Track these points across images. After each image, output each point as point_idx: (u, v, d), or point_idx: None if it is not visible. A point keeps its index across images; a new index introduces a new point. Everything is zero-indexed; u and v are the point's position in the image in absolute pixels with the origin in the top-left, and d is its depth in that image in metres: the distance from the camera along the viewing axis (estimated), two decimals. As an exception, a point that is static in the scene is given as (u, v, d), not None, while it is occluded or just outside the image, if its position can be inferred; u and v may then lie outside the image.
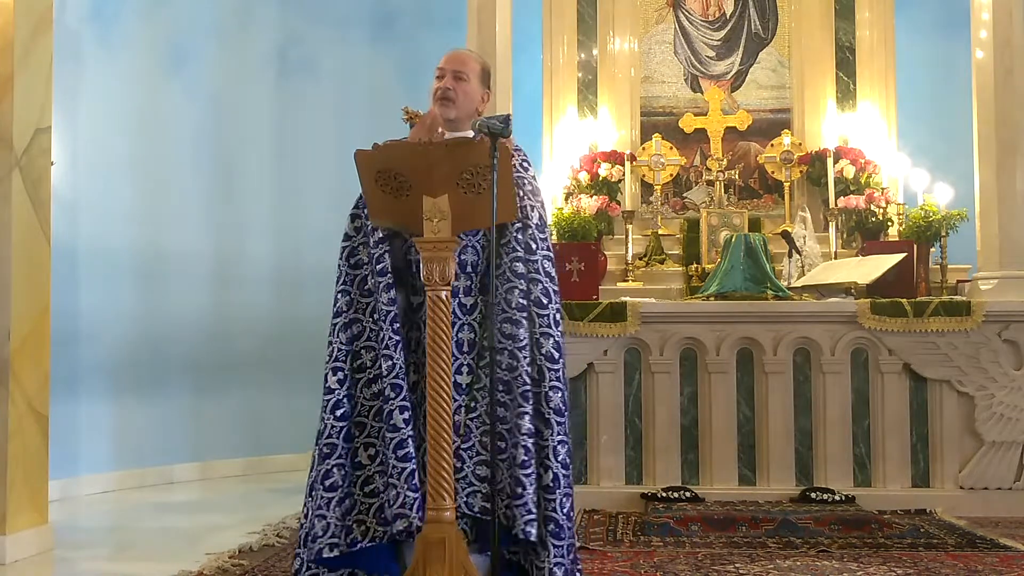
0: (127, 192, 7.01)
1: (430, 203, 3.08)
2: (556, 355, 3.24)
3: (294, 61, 8.09)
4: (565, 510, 3.19)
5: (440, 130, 3.26)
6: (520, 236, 3.24)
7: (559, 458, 3.20)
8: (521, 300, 3.20)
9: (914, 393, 5.80)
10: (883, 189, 7.14)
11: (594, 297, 6.09)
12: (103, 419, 6.76)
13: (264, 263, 7.83)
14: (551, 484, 3.17)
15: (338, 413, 3.27)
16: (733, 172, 7.13)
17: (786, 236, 6.54)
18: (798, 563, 4.36)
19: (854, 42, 7.42)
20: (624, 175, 7.22)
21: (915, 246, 6.41)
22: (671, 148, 7.36)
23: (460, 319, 3.26)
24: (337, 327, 3.30)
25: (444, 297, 3.11)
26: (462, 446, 3.19)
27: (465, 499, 3.18)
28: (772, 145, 7.30)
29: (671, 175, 7.36)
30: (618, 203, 7.16)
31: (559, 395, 3.23)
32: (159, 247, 7.19)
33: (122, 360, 6.88)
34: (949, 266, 6.64)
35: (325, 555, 3.22)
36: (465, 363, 3.26)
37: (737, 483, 5.79)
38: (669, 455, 5.81)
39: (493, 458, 3.11)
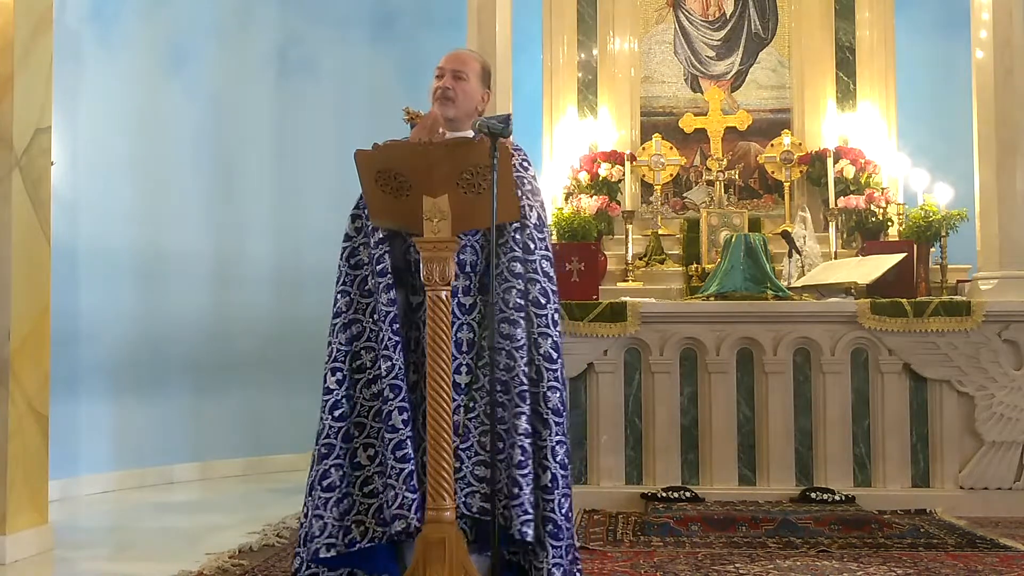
0: (127, 192, 7.01)
1: (430, 203, 3.08)
2: (554, 355, 3.24)
3: (294, 61, 8.09)
4: (563, 510, 3.19)
5: (441, 130, 3.26)
6: (518, 236, 3.24)
7: (557, 458, 3.19)
8: (519, 300, 3.20)
9: (914, 393, 5.80)
10: (883, 189, 7.14)
11: (594, 297, 6.09)
12: (103, 419, 6.76)
13: (264, 263, 7.83)
14: (549, 484, 3.17)
15: (336, 414, 3.27)
16: (733, 172, 7.13)
17: (786, 236, 6.54)
18: (798, 563, 4.36)
19: (854, 42, 7.42)
20: (624, 175, 7.22)
21: (915, 246, 6.41)
22: (671, 148, 7.36)
23: (459, 319, 3.26)
24: (336, 327, 3.31)
25: (444, 297, 3.11)
26: (460, 446, 3.18)
27: (463, 499, 3.17)
28: (772, 145, 7.30)
29: (671, 175, 7.36)
30: (618, 203, 7.16)
31: (557, 395, 3.22)
32: (159, 247, 7.19)
33: (122, 360, 6.89)
34: (949, 266, 6.65)
35: (322, 555, 3.22)
36: (464, 363, 3.25)
37: (737, 483, 5.79)
38: (669, 455, 5.81)
39: (493, 458, 3.11)
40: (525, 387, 3.16)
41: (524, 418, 3.14)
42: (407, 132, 3.44)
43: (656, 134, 7.35)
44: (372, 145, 3.15)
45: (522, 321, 3.19)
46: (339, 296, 3.33)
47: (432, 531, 3.04)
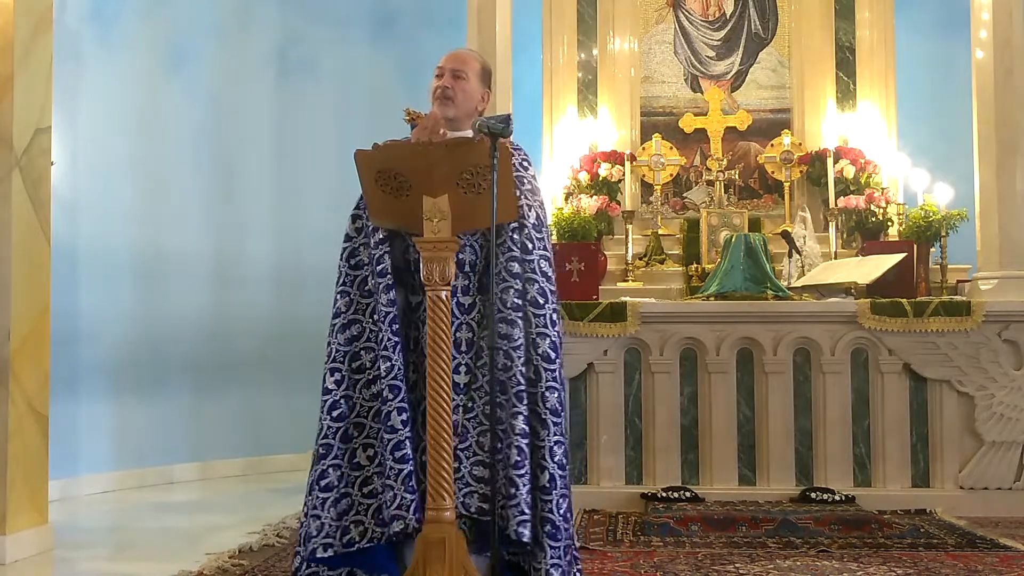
0: (127, 192, 7.01)
1: (430, 203, 3.08)
2: (552, 355, 3.23)
3: (294, 61, 8.09)
4: (562, 511, 3.18)
5: (442, 131, 3.26)
6: (516, 236, 3.23)
7: (555, 459, 3.18)
8: (516, 300, 3.19)
9: (914, 393, 5.80)
10: (883, 189, 7.14)
11: (594, 297, 6.09)
12: (103, 419, 6.76)
13: (264, 263, 7.83)
14: (547, 485, 3.16)
15: (334, 414, 3.27)
16: (733, 172, 7.13)
17: (786, 236, 6.54)
18: (798, 563, 4.36)
19: (854, 42, 7.42)
20: (624, 175, 7.22)
21: (915, 246, 6.41)
22: (671, 148, 7.36)
23: (458, 318, 3.26)
24: (336, 328, 3.31)
25: (444, 297, 3.11)
26: (459, 446, 3.18)
27: (461, 499, 3.16)
28: (772, 145, 7.30)
29: (671, 175, 7.36)
30: (618, 203, 7.16)
31: (555, 395, 3.22)
32: (159, 247, 7.19)
33: (122, 360, 6.89)
34: (949, 266, 6.64)
35: (319, 555, 3.22)
36: (463, 362, 3.25)
37: (737, 483, 5.79)
38: (669, 455, 5.81)
39: (493, 459, 3.11)
40: (522, 387, 3.15)
41: (521, 418, 3.13)
42: (407, 132, 3.44)
43: (656, 134, 7.35)
44: (372, 145, 3.15)
45: (520, 321, 3.18)
46: (339, 296, 3.33)
47: (432, 531, 3.04)
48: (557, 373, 3.24)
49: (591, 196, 7.13)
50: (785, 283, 6.18)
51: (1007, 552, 4.60)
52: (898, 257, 6.11)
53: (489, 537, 3.11)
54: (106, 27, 6.89)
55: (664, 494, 5.62)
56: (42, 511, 4.75)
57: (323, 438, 3.27)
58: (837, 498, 5.54)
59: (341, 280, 3.34)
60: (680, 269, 6.95)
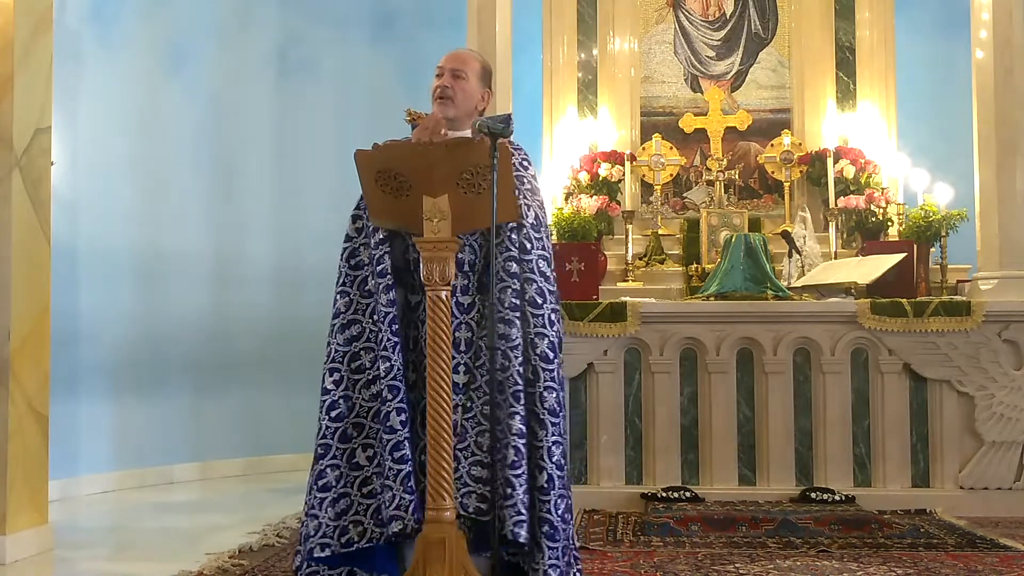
0: (127, 192, 7.01)
1: (430, 203, 3.08)
2: (551, 355, 3.23)
3: (294, 61, 8.09)
4: (559, 511, 3.18)
5: (443, 131, 3.26)
6: (514, 236, 3.23)
7: (553, 459, 3.18)
8: (514, 300, 3.18)
9: (914, 393, 5.80)
10: (883, 189, 7.14)
11: (594, 297, 6.09)
12: (103, 419, 6.76)
13: (264, 263, 7.83)
14: (545, 485, 3.16)
15: (333, 414, 3.27)
16: (733, 172, 7.13)
17: (786, 236, 6.54)
18: (798, 563, 4.36)
19: (854, 42, 7.41)
20: (624, 175, 7.22)
21: (915, 246, 6.41)
22: (671, 148, 7.36)
23: (457, 318, 3.25)
24: (335, 328, 3.31)
25: (444, 297, 3.11)
26: (457, 446, 3.17)
27: (460, 499, 3.16)
28: (772, 145, 7.30)
29: (671, 175, 7.36)
30: (618, 203, 7.16)
31: (554, 395, 3.21)
32: (159, 247, 7.19)
33: (122, 360, 6.89)
34: (949, 266, 6.64)
35: (316, 554, 3.23)
36: (462, 362, 3.24)
37: (737, 483, 5.79)
38: (669, 455, 5.81)
39: (493, 459, 3.10)
40: (520, 387, 3.14)
41: (518, 418, 3.13)
42: (407, 132, 3.44)
43: (656, 134, 7.35)
44: (372, 145, 3.15)
45: (517, 321, 3.18)
46: (338, 296, 3.33)
47: (432, 531, 3.04)
48: (555, 373, 3.23)
49: (591, 196, 7.13)
50: (785, 283, 6.18)
51: (1007, 552, 4.60)
52: (898, 257, 6.11)
53: (487, 537, 3.11)
54: (106, 27, 6.89)
55: (664, 494, 5.62)
56: (42, 511, 4.75)
57: (322, 438, 3.27)
58: (837, 498, 5.54)
59: (341, 280, 3.34)
60: (680, 269, 6.95)
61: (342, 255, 3.35)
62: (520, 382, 3.15)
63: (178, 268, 7.29)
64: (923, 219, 6.65)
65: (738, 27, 7.56)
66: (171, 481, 7.10)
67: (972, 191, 6.11)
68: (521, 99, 6.93)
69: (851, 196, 7.03)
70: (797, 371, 5.83)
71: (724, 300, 5.98)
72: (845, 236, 7.07)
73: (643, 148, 7.38)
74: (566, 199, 7.27)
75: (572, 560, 3.33)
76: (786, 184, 7.22)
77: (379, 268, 3.23)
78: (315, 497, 3.24)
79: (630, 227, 6.95)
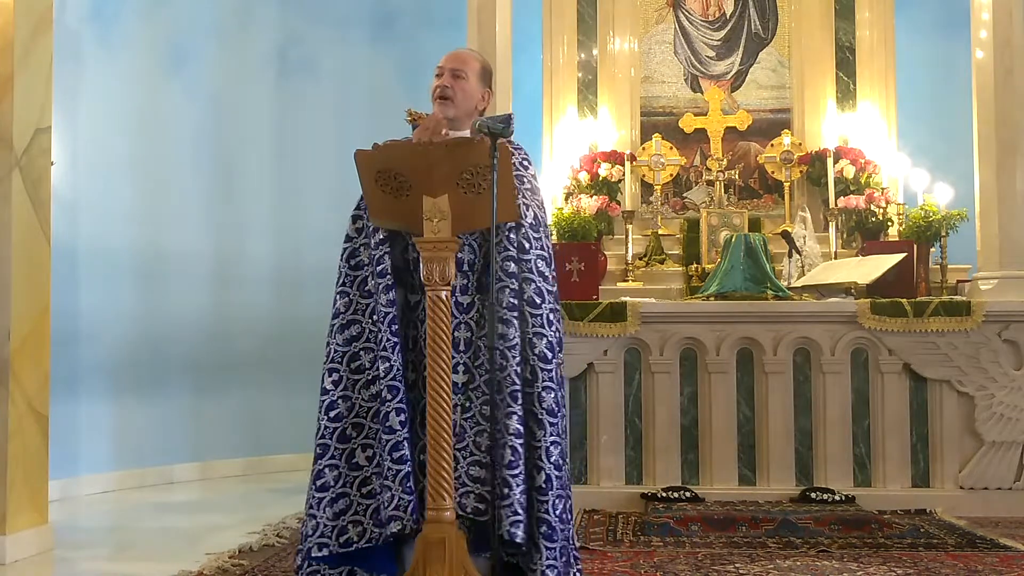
0: (127, 192, 7.01)
1: (430, 203, 3.08)
2: (549, 355, 3.21)
3: (294, 61, 8.09)
4: (558, 512, 3.17)
5: (444, 132, 3.26)
6: (513, 236, 3.22)
7: (552, 459, 3.17)
8: (512, 300, 3.17)
9: (914, 393, 5.80)
10: (883, 189, 7.14)
11: (594, 297, 6.09)
12: (103, 419, 6.76)
13: (264, 263, 7.83)
14: (543, 485, 3.15)
15: (332, 414, 3.27)
16: (733, 172, 7.13)
17: (786, 236, 6.54)
18: (798, 563, 4.36)
19: (854, 42, 7.41)
20: (624, 175, 7.22)
21: (915, 246, 6.41)
22: (671, 148, 7.36)
23: (457, 318, 3.24)
24: (334, 328, 3.31)
25: (444, 297, 3.11)
26: (456, 446, 3.16)
27: (458, 499, 3.15)
28: (772, 145, 7.30)
29: (671, 175, 7.36)
30: (618, 203, 7.16)
31: (552, 395, 3.20)
32: (159, 247, 7.19)
33: (122, 360, 6.89)
34: (949, 266, 6.64)
35: (314, 554, 3.23)
36: (461, 362, 3.24)
37: (737, 483, 5.79)
38: (669, 455, 5.81)
39: (494, 459, 3.10)
40: (517, 387, 3.13)
41: (515, 418, 3.11)
42: (407, 132, 3.44)
43: (656, 134, 7.35)
44: (372, 145, 3.15)
45: (515, 321, 3.16)
46: (338, 297, 3.33)
47: (432, 531, 3.04)
48: (554, 373, 3.22)
49: (591, 196, 7.13)
50: (785, 283, 6.18)
51: (1007, 552, 4.60)
52: (898, 257, 6.11)
53: (486, 537, 3.11)
54: (106, 27, 6.89)
55: (664, 494, 5.62)
56: (42, 511, 4.75)
57: (320, 438, 3.27)
58: (837, 498, 5.54)
59: (341, 280, 3.34)
60: (680, 269, 6.95)
61: (342, 255, 3.35)
62: (518, 382, 3.14)
63: (178, 268, 7.29)
64: (923, 219, 6.65)
65: (738, 27, 7.56)
66: (171, 481, 7.10)
67: (972, 191, 6.11)
68: (521, 99, 6.94)
69: (851, 196, 7.03)
70: (797, 371, 5.84)
71: (724, 300, 5.98)
72: (845, 236, 7.07)
73: (643, 148, 7.38)
74: (566, 199, 7.27)
75: (572, 560, 3.32)
76: (786, 184, 7.22)
77: (379, 268, 3.23)
78: (314, 497, 3.25)
79: (630, 227, 6.95)
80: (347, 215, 3.37)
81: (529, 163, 3.45)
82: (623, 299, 5.91)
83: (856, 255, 6.68)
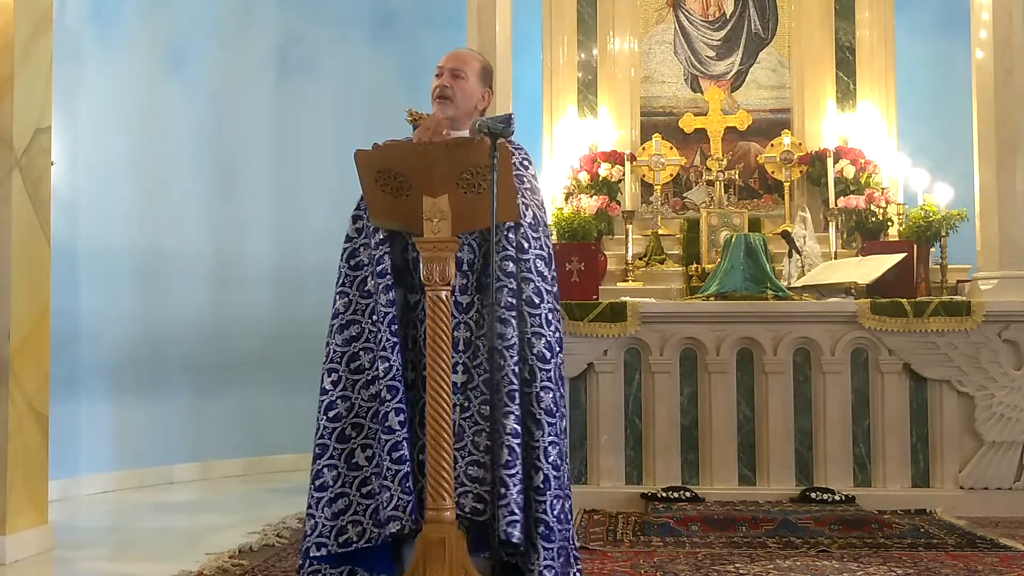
0: (127, 192, 7.01)
1: (430, 203, 3.08)
2: (548, 355, 3.20)
3: (294, 61, 8.09)
4: (555, 512, 3.15)
5: (445, 132, 3.26)
6: (512, 235, 3.21)
7: (550, 459, 3.16)
8: (510, 299, 3.16)
9: (914, 393, 5.80)
10: (883, 189, 7.14)
11: (594, 297, 6.09)
12: (103, 419, 6.76)
13: (264, 263, 7.83)
14: (541, 485, 3.14)
15: (331, 414, 3.27)
16: (733, 172, 7.13)
17: (786, 236, 6.54)
18: (798, 563, 4.36)
19: (854, 42, 7.41)
20: (624, 175, 7.22)
21: (915, 246, 6.41)
22: (671, 148, 7.36)
23: (456, 317, 3.24)
24: (334, 328, 3.31)
25: (444, 297, 3.10)
26: (455, 446, 3.16)
27: (456, 499, 3.14)
28: (772, 145, 7.30)
29: (671, 175, 7.36)
30: (618, 203, 7.16)
31: (550, 395, 3.19)
32: (159, 247, 7.19)
33: (122, 360, 6.89)
34: (949, 266, 6.64)
35: (312, 554, 3.24)
36: (460, 362, 3.23)
37: (737, 483, 5.79)
38: (669, 455, 5.81)
39: (493, 459, 3.10)
40: (515, 386, 3.12)
41: (512, 418, 3.10)
42: (408, 132, 3.44)
43: (656, 134, 7.35)
44: (372, 145, 3.15)
45: (513, 320, 3.16)
46: (338, 297, 3.33)
47: (432, 531, 3.04)
48: (552, 373, 3.21)
49: (591, 196, 7.13)
50: (785, 283, 6.18)
51: (1007, 552, 4.60)
52: (898, 257, 6.11)
53: (483, 537, 3.11)
54: (106, 27, 6.89)
55: (664, 494, 5.62)
56: (42, 511, 4.75)
57: (319, 438, 3.27)
58: (837, 498, 5.54)
59: (340, 280, 3.34)
60: (680, 269, 6.95)
61: (342, 255, 3.35)
62: (515, 381, 3.13)
63: (178, 268, 7.29)
64: (923, 219, 6.65)
65: (738, 27, 7.56)
66: (171, 481, 7.10)
67: (972, 191, 6.11)
68: (521, 99, 6.94)
69: (851, 196, 7.03)
70: (797, 371, 5.84)
71: (724, 300, 5.98)
72: (845, 236, 7.07)
73: (643, 148, 7.38)
74: (566, 199, 7.27)
75: (572, 560, 3.32)
76: (786, 184, 7.22)
77: (379, 268, 3.23)
78: (312, 497, 3.25)
79: (630, 227, 6.95)
80: (347, 215, 3.37)
81: (530, 163, 3.45)
82: (623, 299, 5.91)
83: (856, 255, 6.68)
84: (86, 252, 6.68)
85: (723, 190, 7.06)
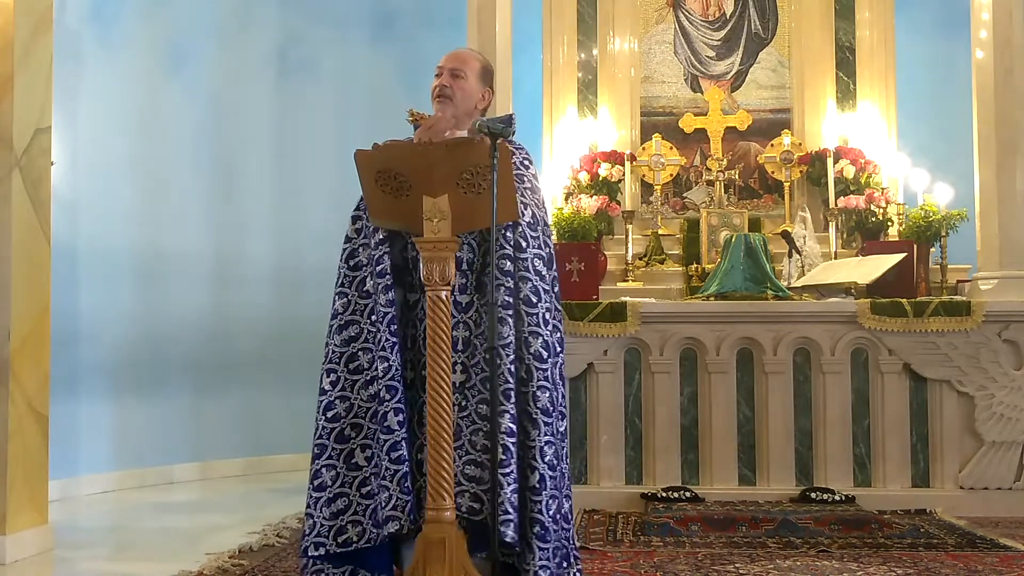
0: (127, 192, 7.01)
1: (430, 203, 3.08)
2: (545, 355, 3.19)
3: (294, 61, 8.09)
4: (551, 512, 3.14)
5: (448, 132, 3.26)
6: (509, 234, 3.21)
7: (545, 459, 3.15)
8: (507, 298, 3.16)
9: (914, 393, 5.80)
10: (883, 189, 7.14)
11: (594, 297, 6.09)
12: (103, 419, 6.76)
13: (264, 263, 7.83)
14: (536, 485, 3.13)
15: (329, 415, 3.27)
16: (733, 172, 7.13)
17: (786, 236, 6.54)
18: (798, 563, 4.36)
19: (854, 42, 7.41)
20: (624, 175, 7.21)
21: (915, 246, 6.41)
22: (671, 148, 7.36)
23: (455, 317, 3.23)
24: (333, 329, 3.30)
25: (444, 297, 3.10)
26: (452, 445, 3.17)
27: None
28: (772, 145, 7.30)
29: (671, 175, 7.36)
30: (618, 203, 7.16)
31: (547, 395, 3.18)
32: (159, 247, 7.19)
33: (122, 360, 6.89)
34: (949, 266, 6.64)
35: (310, 553, 3.24)
36: (459, 361, 3.23)
37: (737, 483, 5.79)
38: (669, 455, 5.81)
39: (493, 459, 3.09)
40: (510, 386, 3.11)
41: (507, 417, 3.09)
42: (408, 132, 3.44)
43: (656, 134, 7.35)
44: (372, 145, 3.15)
45: (510, 319, 3.15)
46: (337, 297, 3.33)
47: (432, 531, 3.04)
48: (550, 373, 3.20)
49: (591, 196, 7.13)
50: (785, 283, 6.18)
51: (1007, 552, 4.60)
52: (898, 257, 6.11)
53: (479, 536, 3.10)
54: (106, 27, 6.89)
55: (664, 494, 5.62)
56: (42, 511, 4.75)
57: (318, 438, 3.27)
58: (837, 498, 5.54)
59: (340, 281, 3.34)
60: (680, 269, 6.95)
61: (342, 255, 3.35)
62: (511, 380, 3.11)
63: (178, 268, 7.29)
64: (923, 219, 6.65)
65: (738, 27, 7.56)
66: (171, 481, 7.10)
67: (972, 191, 6.11)
68: (521, 99, 6.93)
69: (851, 196, 7.03)
70: (797, 371, 5.83)
71: (724, 300, 5.98)
72: (845, 236, 7.07)
73: (643, 148, 7.38)
74: (566, 199, 7.27)
75: (571, 560, 3.32)
76: (786, 184, 7.22)
77: (378, 268, 3.23)
78: (311, 497, 3.26)
79: (630, 227, 6.95)
80: (347, 215, 3.37)
81: (530, 162, 3.45)
82: (623, 299, 5.91)
83: (856, 255, 6.68)
84: (86, 252, 6.68)
85: (723, 190, 7.06)
